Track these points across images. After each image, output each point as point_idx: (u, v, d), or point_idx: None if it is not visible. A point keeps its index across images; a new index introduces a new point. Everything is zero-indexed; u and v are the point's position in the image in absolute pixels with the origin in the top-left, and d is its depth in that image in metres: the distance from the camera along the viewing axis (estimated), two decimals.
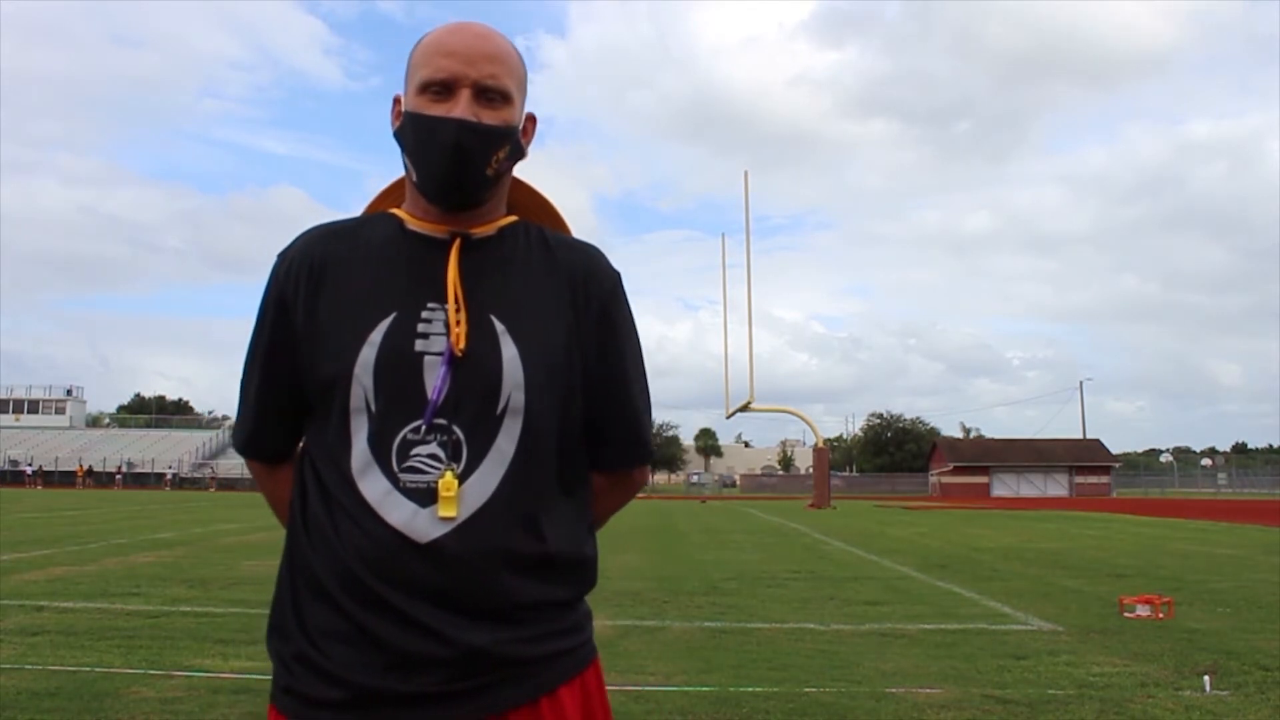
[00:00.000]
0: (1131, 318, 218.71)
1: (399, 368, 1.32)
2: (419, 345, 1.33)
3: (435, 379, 1.32)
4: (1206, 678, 5.46)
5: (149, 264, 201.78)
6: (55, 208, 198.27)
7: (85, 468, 67.21)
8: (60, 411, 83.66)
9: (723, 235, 70.29)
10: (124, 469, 70.51)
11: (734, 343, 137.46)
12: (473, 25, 1.40)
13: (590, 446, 1.46)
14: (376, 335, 1.33)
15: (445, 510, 1.28)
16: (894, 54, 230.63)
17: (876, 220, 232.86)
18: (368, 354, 1.32)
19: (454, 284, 1.36)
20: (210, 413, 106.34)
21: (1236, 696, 5.17)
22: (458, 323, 1.33)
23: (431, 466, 1.30)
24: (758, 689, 5.27)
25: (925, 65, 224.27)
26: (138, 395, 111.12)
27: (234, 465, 74.21)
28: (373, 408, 1.32)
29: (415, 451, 1.31)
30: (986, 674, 5.71)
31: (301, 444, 1.45)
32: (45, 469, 67.33)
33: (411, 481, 1.30)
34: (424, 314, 1.35)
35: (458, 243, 1.39)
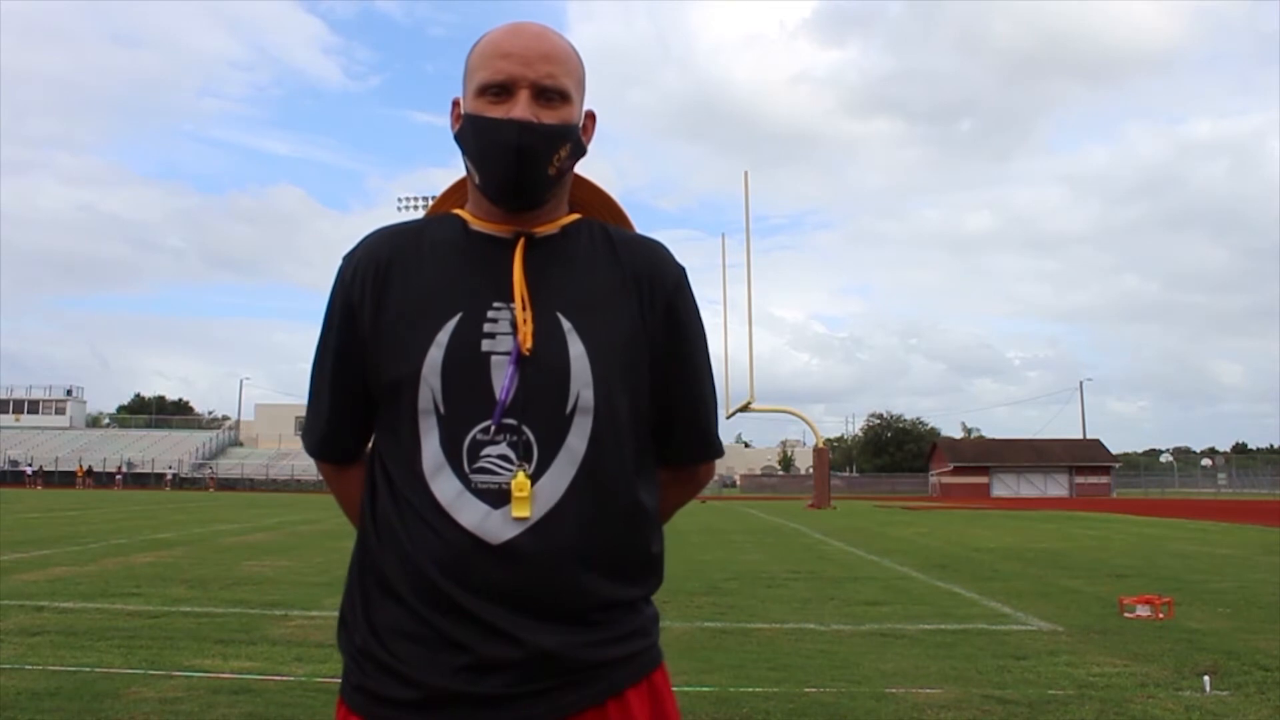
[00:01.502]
0: (1132, 318, 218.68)
1: (467, 368, 1.32)
2: (485, 345, 1.33)
3: (503, 379, 1.32)
4: (1206, 678, 5.46)
5: (149, 264, 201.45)
6: (54, 207, 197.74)
7: (85, 468, 67.23)
8: (60, 411, 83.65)
9: (723, 235, 70.52)
10: (124, 469, 70.52)
11: (734, 343, 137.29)
12: (529, 25, 1.40)
13: (658, 442, 1.46)
14: (443, 336, 1.33)
15: (519, 511, 1.28)
16: (896, 53, 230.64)
17: (877, 220, 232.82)
18: (435, 355, 1.32)
19: (520, 282, 1.36)
20: (210, 413, 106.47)
21: (1236, 696, 5.17)
22: (525, 321, 1.33)
23: (503, 467, 1.30)
24: (758, 689, 5.27)
25: (928, 64, 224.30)
26: (138, 395, 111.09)
27: (234, 465, 74.33)
28: (441, 409, 1.32)
29: (485, 452, 1.30)
30: (986, 674, 5.71)
31: (371, 444, 1.45)
32: (45, 469, 67.36)
33: (483, 483, 1.30)
34: (489, 314, 1.35)
35: (522, 242, 1.39)
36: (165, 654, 5.98)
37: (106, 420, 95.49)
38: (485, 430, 1.31)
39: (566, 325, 1.35)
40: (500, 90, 1.35)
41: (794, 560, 13.53)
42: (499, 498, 1.29)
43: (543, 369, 1.32)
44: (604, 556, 1.33)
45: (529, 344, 1.32)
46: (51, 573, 10.43)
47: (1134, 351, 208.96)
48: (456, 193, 1.53)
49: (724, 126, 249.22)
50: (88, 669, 5.49)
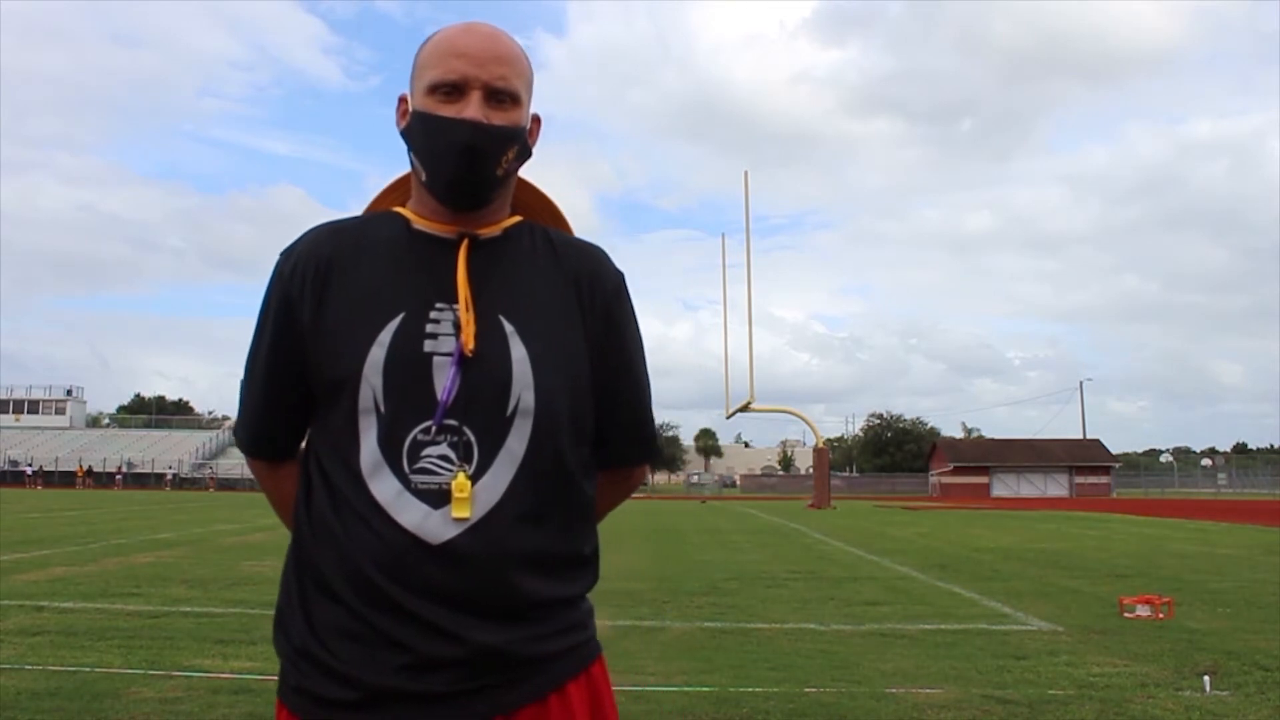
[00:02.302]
0: (1132, 317, 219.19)
1: (408, 368, 1.32)
2: (428, 346, 1.33)
3: (445, 380, 1.32)
4: (1206, 678, 5.45)
5: (149, 264, 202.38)
6: (54, 207, 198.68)
7: (85, 468, 67.19)
8: (60, 411, 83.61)
9: (723, 235, 70.40)
10: (124, 469, 70.49)
11: (734, 343, 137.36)
12: (482, 26, 1.40)
13: (595, 444, 1.47)
14: (385, 336, 1.33)
15: (459, 511, 1.28)
16: (897, 52, 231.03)
17: (878, 219, 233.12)
18: (377, 354, 1.32)
19: (463, 284, 1.36)
20: (210, 413, 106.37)
21: (1236, 696, 5.17)
22: (468, 323, 1.33)
23: (443, 468, 1.30)
24: (758, 689, 5.27)
25: (928, 63, 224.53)
26: (138, 395, 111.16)
27: (234, 465, 74.21)
28: (382, 408, 1.32)
29: (426, 453, 1.31)
30: (986, 674, 5.71)
31: (305, 442, 1.44)
32: (45, 469, 67.34)
33: (423, 483, 1.30)
34: (432, 314, 1.35)
35: (466, 243, 1.39)
36: (165, 654, 5.98)
37: (106, 420, 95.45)
38: (426, 430, 1.31)
39: (509, 328, 1.36)
40: (452, 89, 1.35)
41: (794, 560, 13.53)
42: (439, 498, 1.29)
43: (485, 371, 1.33)
44: (541, 557, 1.34)
45: (471, 345, 1.32)
46: (51, 573, 10.43)
47: (1134, 351, 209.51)
48: (397, 189, 1.53)
49: (724, 126, 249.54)
50: (88, 669, 5.49)
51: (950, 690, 5.27)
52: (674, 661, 5.96)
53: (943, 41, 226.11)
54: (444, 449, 1.31)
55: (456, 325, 1.34)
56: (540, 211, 1.57)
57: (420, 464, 1.30)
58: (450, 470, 1.30)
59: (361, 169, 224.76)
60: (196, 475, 71.65)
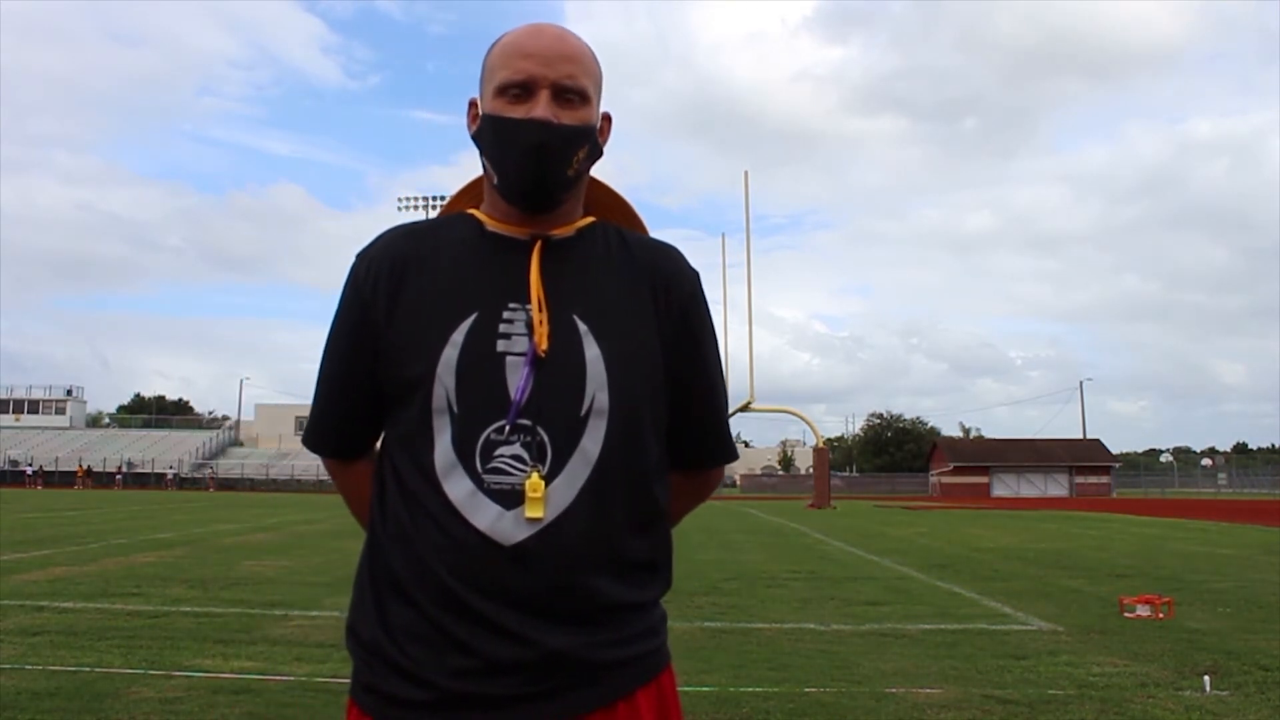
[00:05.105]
0: (1132, 318, 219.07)
1: (481, 368, 1.32)
2: (501, 345, 1.33)
3: (518, 379, 1.31)
4: (1206, 678, 5.46)
5: (149, 263, 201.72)
6: (54, 206, 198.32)
7: (85, 468, 67.17)
8: (60, 411, 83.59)
9: (723, 235, 70.52)
10: (124, 469, 70.49)
11: (734, 343, 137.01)
12: (549, 27, 1.41)
13: (672, 446, 1.45)
14: (459, 335, 1.33)
15: (532, 512, 1.27)
16: (899, 50, 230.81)
17: (878, 219, 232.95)
18: (450, 354, 1.32)
19: (536, 284, 1.35)
20: (210, 413, 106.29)
21: (1236, 696, 5.17)
22: (541, 323, 1.33)
23: (516, 468, 1.29)
24: (758, 689, 5.27)
25: (931, 61, 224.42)
26: (138, 395, 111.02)
27: (234, 465, 74.32)
28: (455, 408, 1.31)
29: (499, 453, 1.30)
30: (986, 674, 5.71)
31: (380, 443, 1.44)
32: (45, 469, 67.32)
33: (496, 483, 1.29)
34: (505, 314, 1.34)
35: (539, 244, 1.39)
36: (165, 654, 5.98)
37: (106, 420, 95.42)
38: (499, 430, 1.30)
39: (583, 328, 1.35)
40: (521, 90, 1.35)
41: (794, 560, 13.53)
42: (512, 498, 1.28)
43: (558, 370, 1.32)
44: (614, 560, 1.33)
45: (545, 345, 1.32)
46: (51, 573, 10.43)
47: (1134, 351, 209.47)
48: (471, 192, 1.53)
49: (725, 125, 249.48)
50: (88, 669, 5.49)
51: (950, 690, 5.27)
52: (674, 661, 5.95)
53: (945, 39, 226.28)
54: (517, 449, 1.30)
55: (530, 325, 1.33)
56: (614, 211, 1.56)
57: (493, 464, 1.29)
58: (524, 470, 1.29)
59: (361, 168, 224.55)
60: (196, 475, 71.61)
